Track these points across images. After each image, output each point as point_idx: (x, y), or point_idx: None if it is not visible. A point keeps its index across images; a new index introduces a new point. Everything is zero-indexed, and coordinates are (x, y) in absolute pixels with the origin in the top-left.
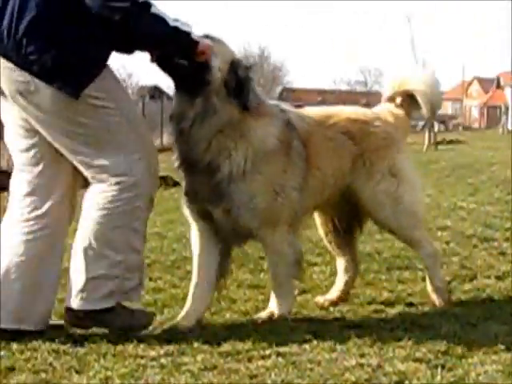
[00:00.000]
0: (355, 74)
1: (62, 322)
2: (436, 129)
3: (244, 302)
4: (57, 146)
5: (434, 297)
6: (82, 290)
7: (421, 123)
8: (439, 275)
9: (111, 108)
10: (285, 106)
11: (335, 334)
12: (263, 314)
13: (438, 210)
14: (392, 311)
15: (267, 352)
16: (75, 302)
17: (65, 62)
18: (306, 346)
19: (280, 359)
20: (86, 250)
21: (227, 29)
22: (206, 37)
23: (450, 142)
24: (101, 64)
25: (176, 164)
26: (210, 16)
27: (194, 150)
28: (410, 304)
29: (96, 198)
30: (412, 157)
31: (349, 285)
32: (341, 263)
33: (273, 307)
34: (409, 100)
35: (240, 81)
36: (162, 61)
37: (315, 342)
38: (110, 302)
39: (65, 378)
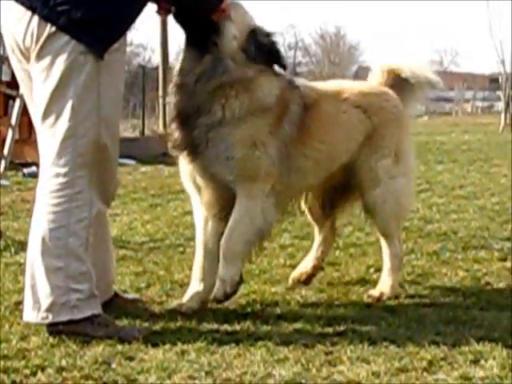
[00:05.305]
0: (430, 54)
1: (137, 296)
2: None
3: (320, 279)
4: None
5: (384, 289)
6: (33, 301)
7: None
8: (397, 276)
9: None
10: (300, 80)
11: (411, 312)
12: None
13: None
14: (468, 291)
15: (342, 328)
16: (32, 314)
17: (96, 15)
18: (382, 323)
19: (355, 336)
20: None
21: (305, 7)
22: None
23: None
24: (130, 20)
25: (169, 118)
26: None
27: (192, 101)
28: (486, 283)
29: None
30: (488, 138)
31: (324, 254)
32: (319, 233)
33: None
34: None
35: (263, 47)
36: (179, 13)
37: (391, 319)
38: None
39: (141, 350)
